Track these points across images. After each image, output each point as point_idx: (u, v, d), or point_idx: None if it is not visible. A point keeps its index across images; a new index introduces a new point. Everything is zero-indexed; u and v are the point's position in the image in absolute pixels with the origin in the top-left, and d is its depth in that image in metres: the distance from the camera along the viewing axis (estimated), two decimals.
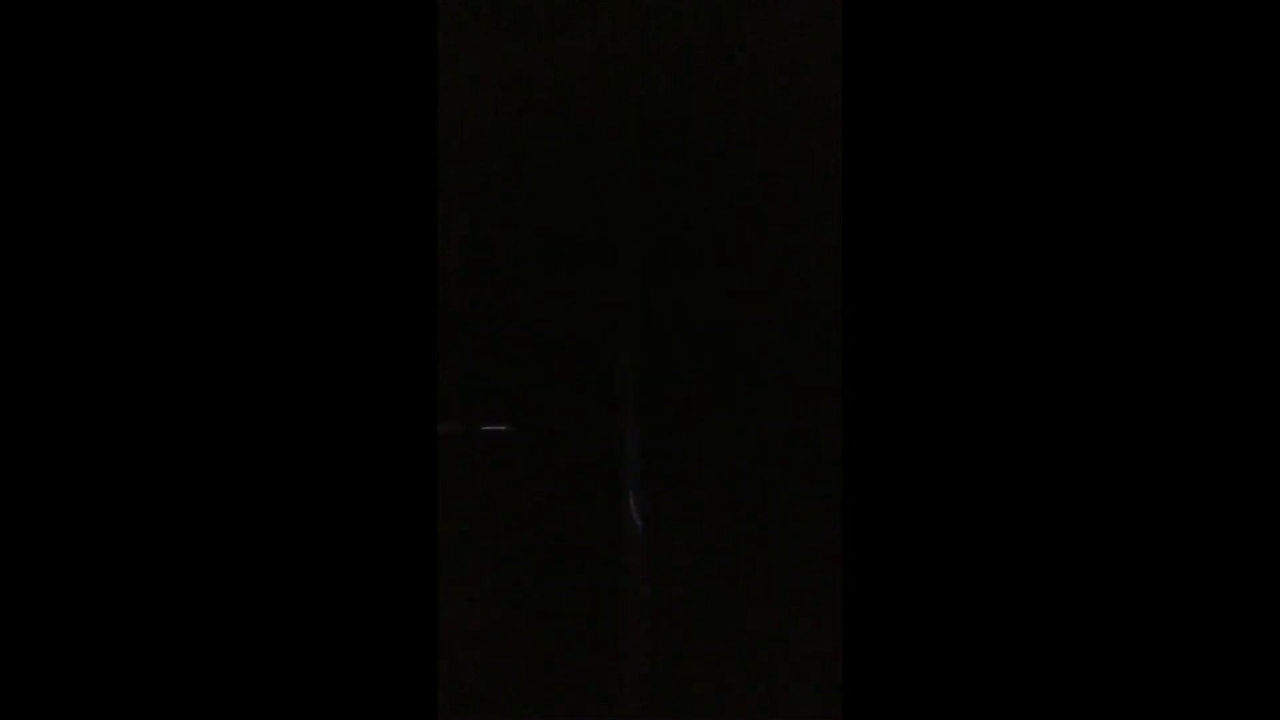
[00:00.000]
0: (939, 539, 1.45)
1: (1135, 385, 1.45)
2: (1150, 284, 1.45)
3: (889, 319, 1.46)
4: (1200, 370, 1.44)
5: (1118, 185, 1.45)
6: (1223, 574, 1.43)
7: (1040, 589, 1.44)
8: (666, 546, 2.27)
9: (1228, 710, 1.42)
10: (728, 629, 2.26)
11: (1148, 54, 1.45)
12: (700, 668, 2.25)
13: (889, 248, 1.47)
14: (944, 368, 1.46)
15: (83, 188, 1.44)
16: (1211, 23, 1.45)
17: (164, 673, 1.42)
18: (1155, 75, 1.45)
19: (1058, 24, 1.46)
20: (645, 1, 2.28)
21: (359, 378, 1.45)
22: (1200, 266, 1.44)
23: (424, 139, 1.48)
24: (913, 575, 1.45)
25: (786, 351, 2.27)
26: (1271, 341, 1.43)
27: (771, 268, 2.27)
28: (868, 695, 1.45)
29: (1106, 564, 1.44)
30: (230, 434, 1.44)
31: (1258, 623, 1.42)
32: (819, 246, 2.23)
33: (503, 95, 2.28)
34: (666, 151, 2.29)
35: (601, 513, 2.27)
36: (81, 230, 1.43)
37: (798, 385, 2.26)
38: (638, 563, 2.26)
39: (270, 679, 1.43)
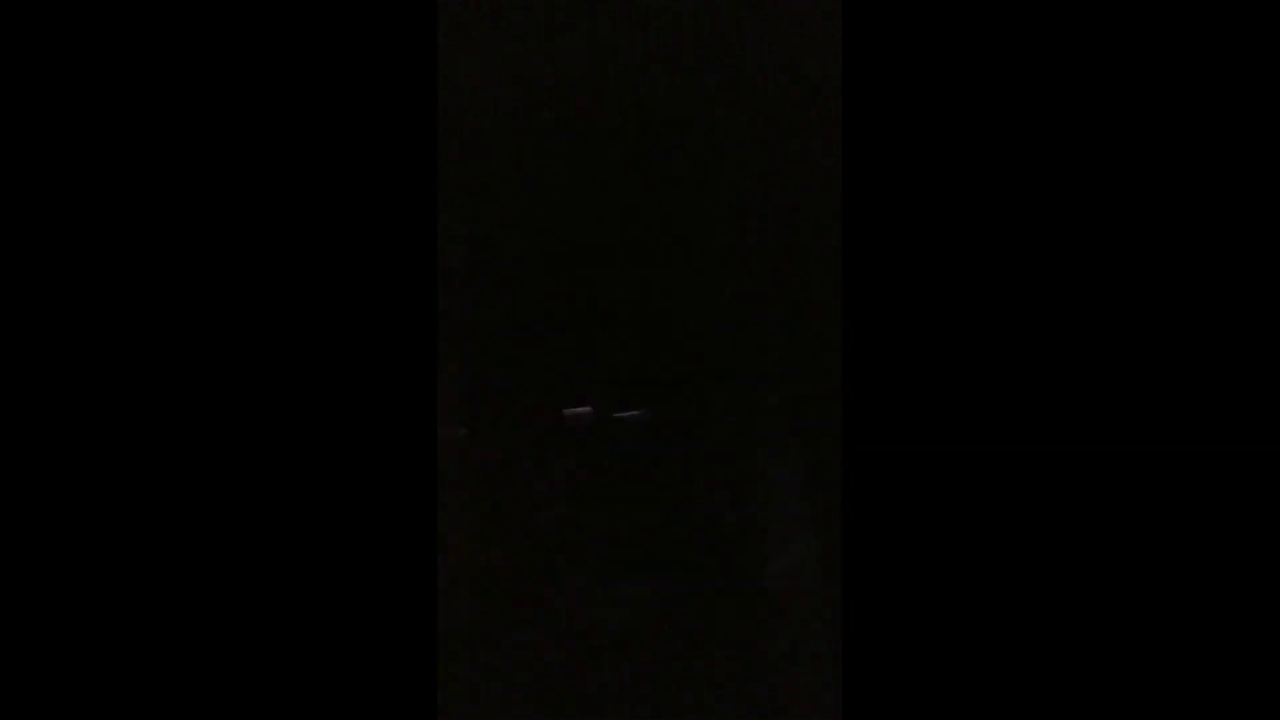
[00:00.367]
0: (939, 539, 1.45)
1: (1134, 385, 1.45)
2: (1150, 284, 1.45)
3: (889, 319, 1.46)
4: (1200, 370, 1.44)
5: (1118, 185, 1.45)
6: (1223, 574, 1.43)
7: (1041, 589, 1.44)
8: None
9: (1228, 710, 1.42)
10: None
11: (1148, 55, 1.45)
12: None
13: (889, 247, 1.47)
14: (944, 367, 1.46)
15: (82, 188, 1.44)
16: (1212, 23, 1.45)
17: (164, 673, 1.42)
18: (1156, 76, 1.45)
19: (1059, 24, 1.46)
20: (645, 1, 2.27)
21: (359, 373, 1.45)
22: (1200, 266, 1.44)
23: (424, 139, 1.48)
24: (913, 575, 1.45)
25: (787, 351, 2.27)
26: (1271, 341, 1.43)
27: (772, 268, 2.27)
28: (868, 695, 1.45)
29: (1106, 564, 1.44)
30: (230, 433, 1.44)
31: (1258, 623, 1.42)
32: (819, 246, 2.23)
33: (503, 95, 2.27)
34: (666, 151, 2.29)
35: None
36: (80, 232, 1.43)
37: (798, 384, 2.26)
38: None
39: (270, 678, 1.43)
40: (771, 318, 2.28)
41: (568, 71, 2.28)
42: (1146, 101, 1.45)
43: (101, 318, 1.43)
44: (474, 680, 2.22)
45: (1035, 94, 1.46)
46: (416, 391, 1.46)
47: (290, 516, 1.44)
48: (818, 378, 2.24)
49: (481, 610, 2.23)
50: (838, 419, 1.49)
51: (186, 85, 1.44)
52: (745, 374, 2.28)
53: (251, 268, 1.45)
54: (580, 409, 2.27)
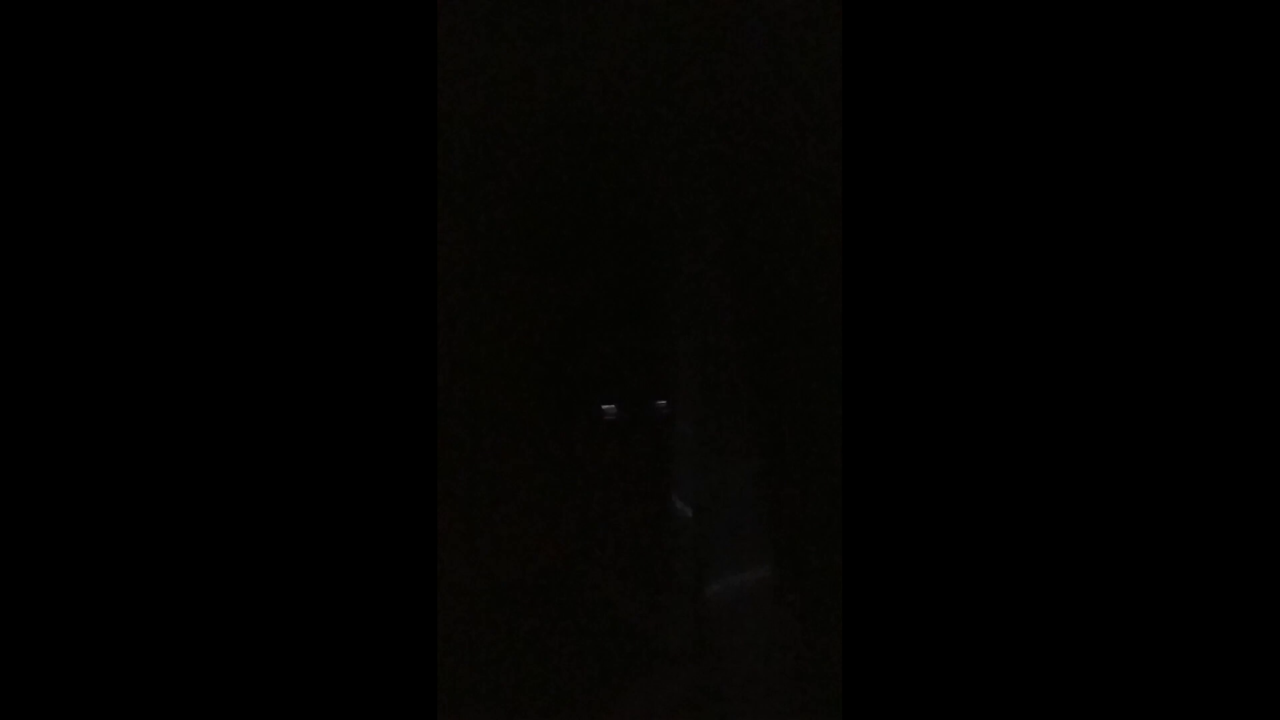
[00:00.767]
0: (939, 539, 1.45)
1: (1135, 385, 1.45)
2: (1150, 284, 1.45)
3: (889, 318, 1.47)
4: (1200, 370, 1.44)
5: (1119, 184, 1.46)
6: (1223, 575, 1.43)
7: (1040, 589, 1.44)
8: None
9: (1228, 710, 1.42)
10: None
11: (1148, 55, 1.45)
12: None
13: (889, 247, 1.47)
14: (944, 368, 1.46)
15: (82, 188, 1.44)
16: (1212, 23, 1.45)
17: (164, 673, 1.42)
18: (1156, 76, 1.45)
19: (1060, 25, 1.47)
20: (645, 1, 2.28)
21: (359, 373, 1.45)
22: (1200, 266, 1.44)
23: (424, 139, 1.48)
24: (913, 575, 1.45)
25: (787, 350, 2.27)
26: (1271, 341, 1.43)
27: (772, 268, 2.28)
28: (868, 696, 1.45)
29: (1107, 564, 1.44)
30: (229, 433, 1.44)
31: (1258, 623, 1.42)
32: (819, 246, 2.23)
33: (503, 95, 2.28)
34: (666, 151, 2.29)
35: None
36: (80, 232, 1.43)
37: (798, 384, 2.26)
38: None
39: (270, 679, 1.43)
40: (772, 317, 2.28)
41: (568, 71, 2.28)
42: (1146, 101, 1.45)
43: (101, 317, 1.43)
44: (474, 680, 2.22)
45: (1035, 94, 1.46)
46: (416, 391, 1.46)
47: (290, 516, 1.44)
48: (818, 377, 2.24)
49: (481, 610, 2.24)
50: (838, 419, 1.50)
51: (186, 85, 1.45)
52: (745, 373, 2.28)
53: (251, 267, 1.45)
54: (580, 409, 2.27)
